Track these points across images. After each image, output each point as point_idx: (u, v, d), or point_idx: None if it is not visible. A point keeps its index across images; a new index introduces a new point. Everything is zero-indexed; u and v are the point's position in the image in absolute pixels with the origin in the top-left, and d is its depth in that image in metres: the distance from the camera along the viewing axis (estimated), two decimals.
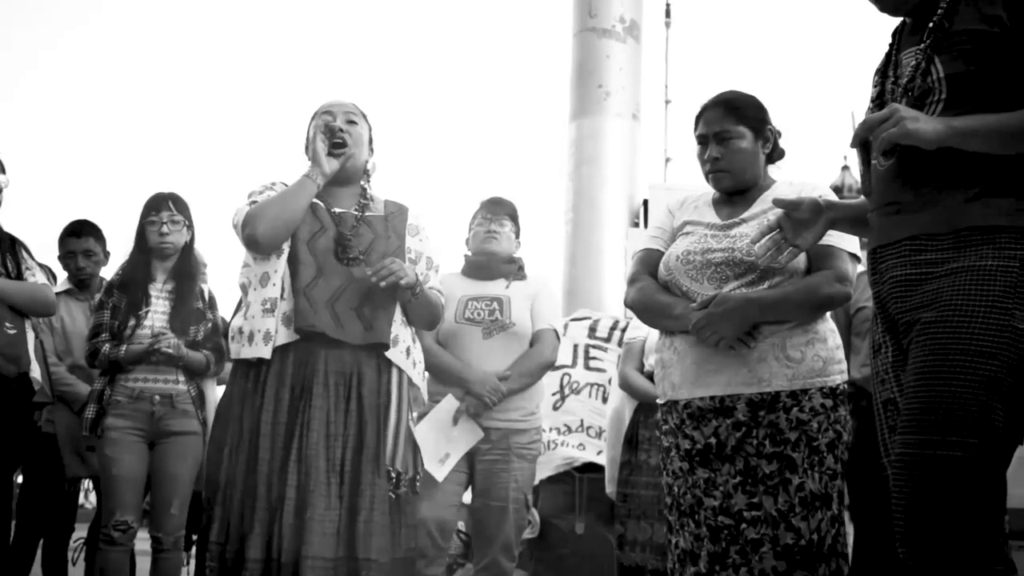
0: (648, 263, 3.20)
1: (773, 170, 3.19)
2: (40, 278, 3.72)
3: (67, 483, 4.80)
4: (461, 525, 4.61)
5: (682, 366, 3.02)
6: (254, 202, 3.07)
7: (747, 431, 2.91)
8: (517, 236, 4.42)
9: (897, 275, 2.31)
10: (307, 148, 3.24)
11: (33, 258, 3.79)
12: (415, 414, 3.17)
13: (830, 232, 2.83)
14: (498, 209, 4.38)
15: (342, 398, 2.94)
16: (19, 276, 3.61)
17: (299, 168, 3.23)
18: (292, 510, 2.80)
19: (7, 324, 3.46)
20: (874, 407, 2.45)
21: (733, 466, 2.91)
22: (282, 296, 2.98)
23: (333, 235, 3.07)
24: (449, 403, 4.03)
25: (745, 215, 3.06)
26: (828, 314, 3.03)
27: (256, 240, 2.99)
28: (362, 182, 3.25)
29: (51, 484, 4.84)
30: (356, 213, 3.15)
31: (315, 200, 3.13)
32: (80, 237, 4.96)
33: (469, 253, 4.36)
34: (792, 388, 2.90)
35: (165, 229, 4.25)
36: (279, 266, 3.00)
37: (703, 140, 3.11)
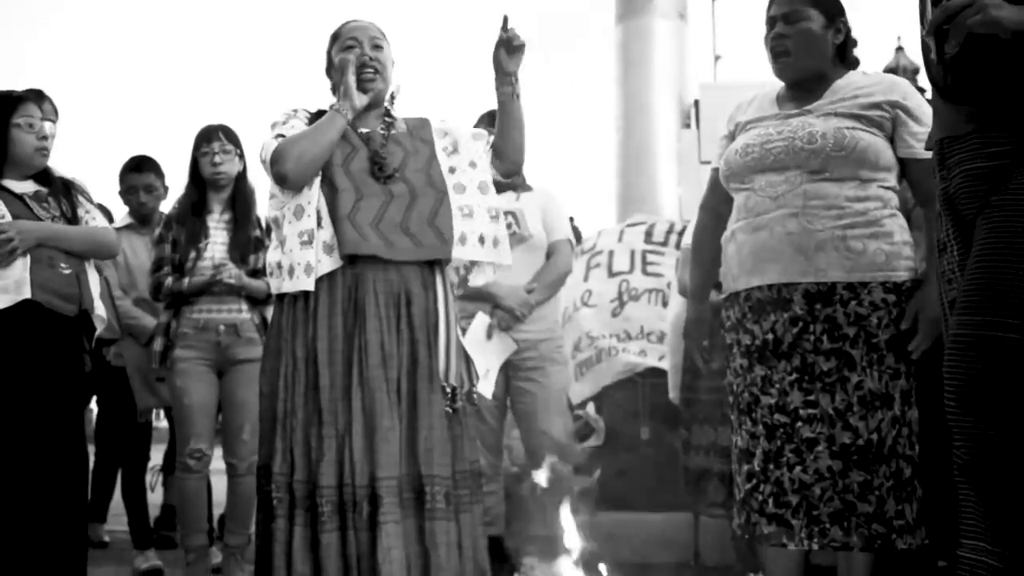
0: (713, 188, 3.23)
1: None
2: (100, 221, 3.76)
3: (139, 414, 4.91)
4: (517, 436, 4.66)
5: (739, 256, 3.00)
6: (280, 136, 3.01)
7: (804, 327, 2.87)
8: None
9: (967, 169, 2.24)
10: (328, 71, 3.18)
11: (91, 200, 3.83)
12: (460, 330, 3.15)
13: (913, 138, 2.82)
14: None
15: (393, 319, 2.92)
16: (75, 219, 3.65)
17: (323, 91, 3.18)
18: (361, 433, 2.81)
19: (62, 264, 3.50)
20: (941, 305, 2.40)
21: (789, 363, 2.88)
22: (319, 225, 2.93)
23: (367, 155, 3.02)
24: (480, 320, 4.11)
25: (810, 106, 2.98)
26: (898, 209, 2.96)
27: (285, 177, 2.94)
28: (386, 104, 3.18)
29: (125, 416, 4.95)
30: (383, 132, 3.09)
31: None
32: (141, 172, 5.01)
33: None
34: (850, 280, 2.85)
35: (218, 159, 4.28)
36: (312, 196, 2.95)
37: (772, 22, 3.04)
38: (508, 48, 3.00)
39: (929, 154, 2.79)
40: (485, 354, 4.08)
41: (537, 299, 4.19)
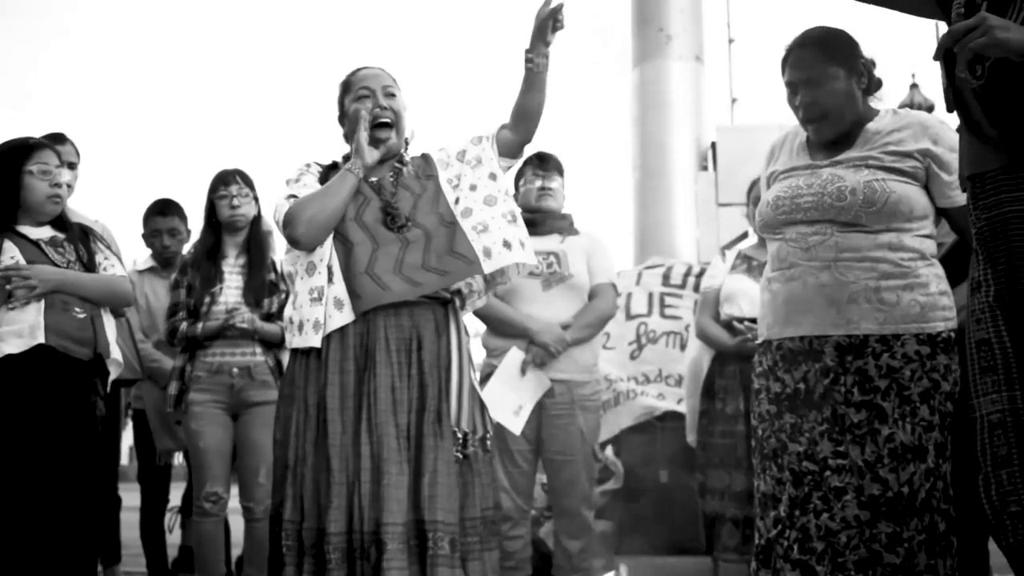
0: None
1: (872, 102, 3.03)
2: (118, 269, 3.78)
3: (158, 456, 4.92)
4: (543, 479, 4.65)
5: (774, 305, 2.97)
6: (292, 196, 3.02)
7: (835, 378, 2.82)
8: (564, 190, 4.43)
9: (1002, 214, 2.20)
10: (341, 119, 3.18)
11: (110, 247, 3.85)
12: (476, 374, 3.13)
13: (949, 187, 2.79)
14: (547, 165, 4.39)
15: (404, 364, 2.91)
16: (91, 265, 3.67)
17: (336, 139, 3.19)
18: (368, 480, 2.80)
19: (76, 309, 3.53)
20: (966, 345, 2.35)
21: (820, 413, 2.83)
22: (330, 280, 2.93)
23: (379, 205, 3.02)
24: (514, 356, 4.10)
25: (841, 157, 2.93)
26: (935, 258, 2.90)
27: (297, 241, 2.96)
28: (401, 151, 3.18)
29: (143, 458, 4.96)
30: (392, 179, 3.10)
31: None
32: (165, 216, 5.06)
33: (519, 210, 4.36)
34: (882, 332, 2.79)
35: (236, 202, 4.31)
36: (324, 253, 2.96)
37: (792, 87, 2.97)
38: (553, 21, 2.99)
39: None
40: (518, 391, 4.08)
41: (573, 337, 4.15)
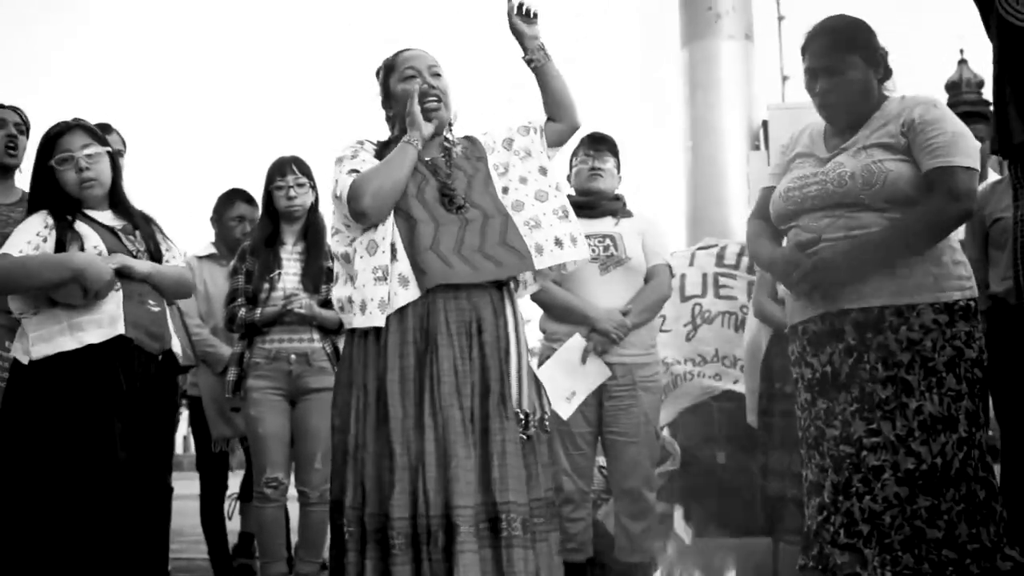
0: (761, 204, 3.22)
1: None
2: (179, 259, 3.74)
3: (213, 443, 4.95)
4: (602, 461, 4.65)
5: (795, 291, 3.01)
6: (353, 171, 3.02)
7: (858, 356, 2.85)
8: (619, 171, 4.40)
9: None
10: (385, 102, 3.20)
11: (167, 237, 3.78)
12: (532, 357, 3.12)
13: (938, 149, 2.78)
14: (600, 145, 4.38)
15: (465, 347, 2.91)
16: (158, 255, 3.62)
17: (380, 123, 3.22)
18: (434, 464, 2.79)
19: (151, 302, 3.49)
20: None
21: (849, 394, 2.86)
22: (394, 258, 2.93)
23: (436, 185, 3.03)
24: (576, 342, 4.10)
25: (847, 144, 2.97)
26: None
27: (364, 213, 2.95)
28: (446, 131, 3.19)
29: (200, 445, 5.01)
30: (444, 158, 3.11)
31: None
32: (251, 204, 5.09)
33: (572, 192, 4.33)
34: (897, 304, 2.82)
35: (292, 193, 4.34)
36: (386, 231, 2.96)
37: (812, 73, 3.01)
38: (523, 17, 3.06)
39: (955, 157, 2.80)
40: (574, 378, 4.08)
41: (633, 321, 4.15)
